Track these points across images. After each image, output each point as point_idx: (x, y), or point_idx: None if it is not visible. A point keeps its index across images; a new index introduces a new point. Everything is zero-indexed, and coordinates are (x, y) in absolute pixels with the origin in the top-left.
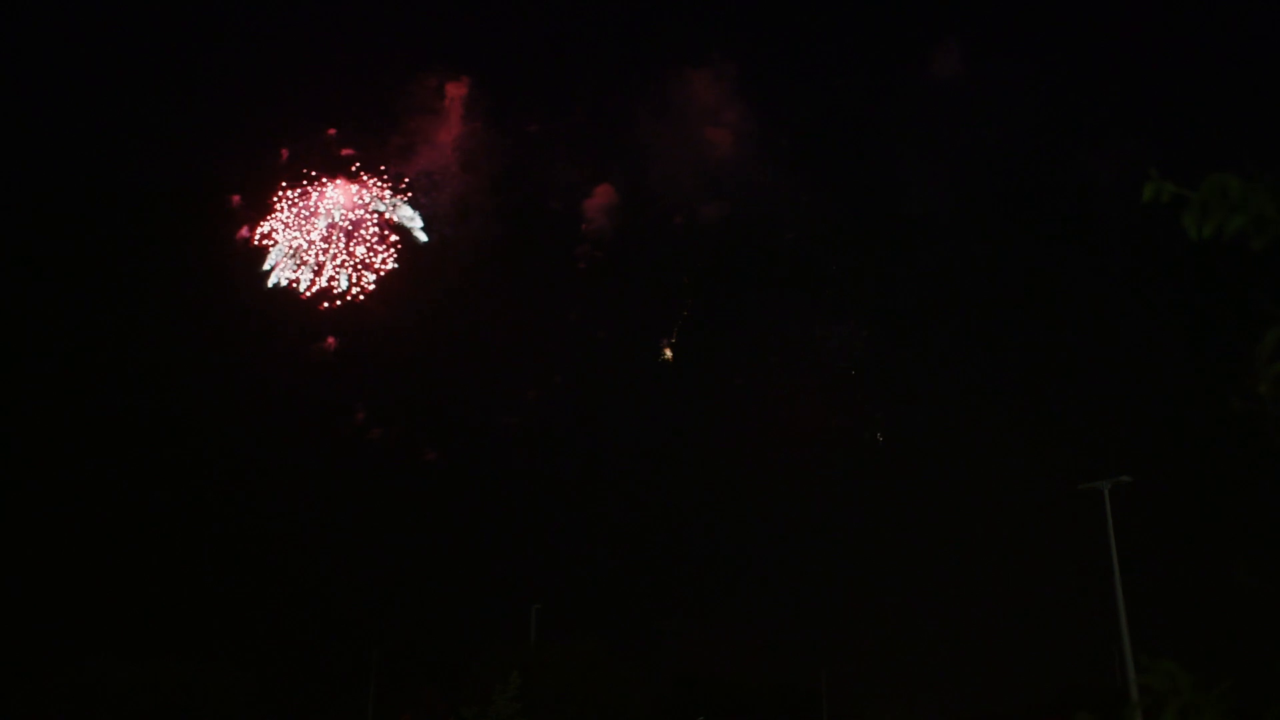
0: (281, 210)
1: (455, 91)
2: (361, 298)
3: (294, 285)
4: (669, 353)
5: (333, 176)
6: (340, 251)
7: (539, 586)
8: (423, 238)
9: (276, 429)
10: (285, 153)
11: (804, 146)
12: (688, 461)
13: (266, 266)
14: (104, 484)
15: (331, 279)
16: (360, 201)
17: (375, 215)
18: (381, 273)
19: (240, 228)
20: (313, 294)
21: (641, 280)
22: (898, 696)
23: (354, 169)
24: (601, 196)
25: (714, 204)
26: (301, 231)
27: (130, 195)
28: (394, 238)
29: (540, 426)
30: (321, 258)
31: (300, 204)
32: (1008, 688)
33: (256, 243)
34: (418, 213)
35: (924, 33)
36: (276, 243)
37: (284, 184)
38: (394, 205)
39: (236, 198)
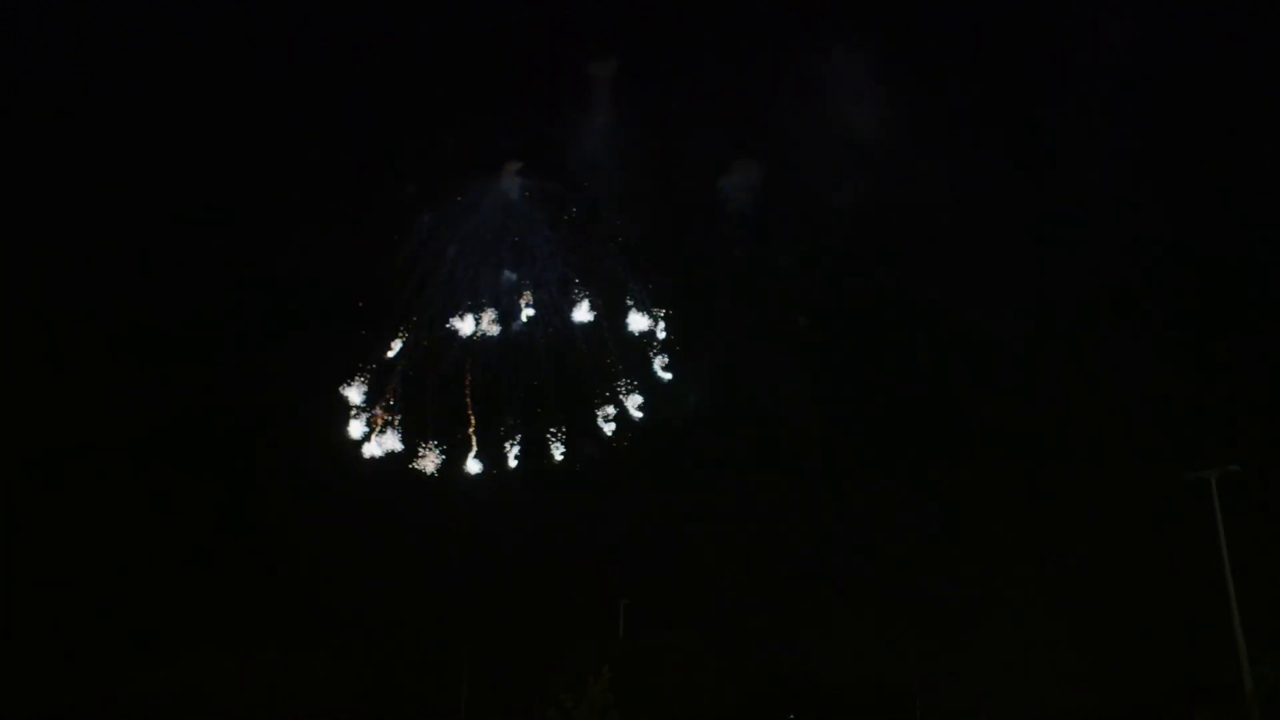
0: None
1: (602, 72)
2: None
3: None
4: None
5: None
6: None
7: (628, 581)
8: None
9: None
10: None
11: (955, 123)
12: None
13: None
14: (207, 478)
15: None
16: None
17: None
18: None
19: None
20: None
21: (784, 261)
22: (994, 696)
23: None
24: (741, 173)
25: (860, 182)
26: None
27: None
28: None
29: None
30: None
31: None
32: (1114, 686)
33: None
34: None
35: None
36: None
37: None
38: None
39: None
